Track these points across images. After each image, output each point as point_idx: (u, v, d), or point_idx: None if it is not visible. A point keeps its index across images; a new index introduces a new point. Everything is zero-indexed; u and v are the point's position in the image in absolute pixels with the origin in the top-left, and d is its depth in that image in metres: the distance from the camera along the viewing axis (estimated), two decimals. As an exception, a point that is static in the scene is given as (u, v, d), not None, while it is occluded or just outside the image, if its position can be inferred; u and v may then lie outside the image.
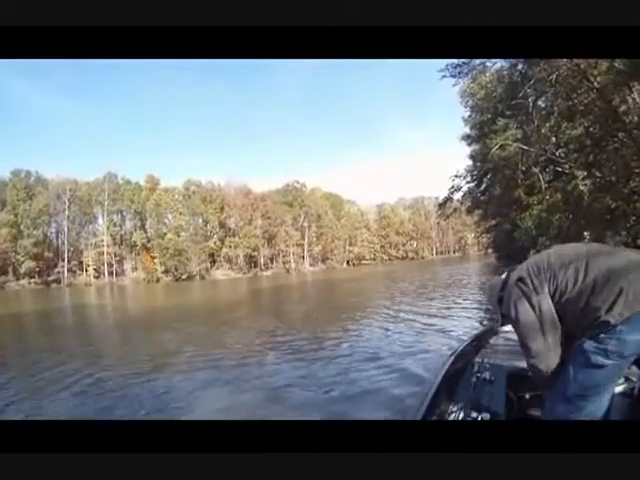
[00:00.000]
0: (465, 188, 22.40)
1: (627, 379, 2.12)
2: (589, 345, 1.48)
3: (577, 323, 1.56)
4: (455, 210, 28.22)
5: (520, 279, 1.68)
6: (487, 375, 2.26)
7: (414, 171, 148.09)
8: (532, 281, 1.64)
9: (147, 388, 5.78)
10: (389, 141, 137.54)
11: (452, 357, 2.60)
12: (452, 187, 20.69)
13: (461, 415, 1.90)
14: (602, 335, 1.46)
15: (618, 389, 2.05)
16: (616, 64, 9.46)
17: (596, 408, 1.53)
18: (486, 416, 1.86)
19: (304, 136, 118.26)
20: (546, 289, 1.60)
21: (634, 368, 2.16)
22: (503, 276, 1.84)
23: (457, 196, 23.04)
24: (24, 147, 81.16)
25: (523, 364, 1.83)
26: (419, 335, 8.23)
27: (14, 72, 77.55)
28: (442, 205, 24.07)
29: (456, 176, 20.51)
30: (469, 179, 22.37)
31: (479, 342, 3.08)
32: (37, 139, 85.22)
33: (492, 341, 3.15)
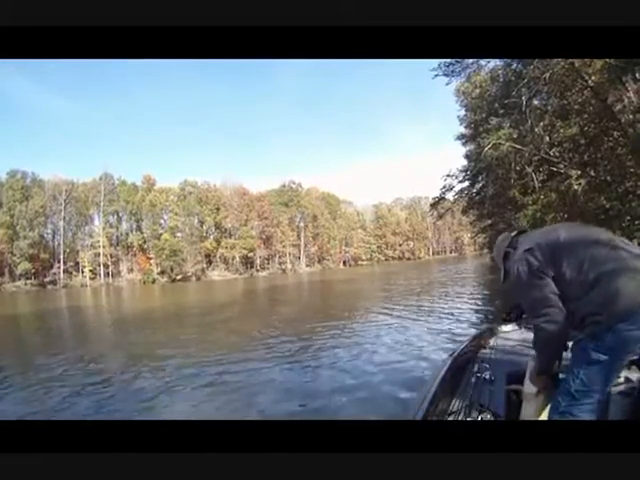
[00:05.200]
0: (457, 188, 22.28)
1: (627, 379, 2.12)
2: (588, 342, 1.53)
3: (570, 314, 1.59)
4: (448, 210, 28.04)
5: (529, 250, 1.68)
6: (487, 375, 2.26)
7: (411, 171, 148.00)
8: (538, 259, 1.64)
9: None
10: (386, 141, 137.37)
11: (452, 357, 2.60)
12: (444, 187, 20.58)
13: (461, 415, 1.90)
14: (600, 332, 1.49)
15: (618, 389, 2.06)
16: (607, 59, 9.48)
17: (595, 406, 1.56)
18: (486, 416, 1.86)
19: (300, 136, 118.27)
20: (551, 273, 1.61)
21: (634, 368, 2.17)
22: (513, 233, 1.90)
23: (449, 196, 22.93)
24: (20, 148, 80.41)
25: (523, 364, 1.84)
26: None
27: (12, 72, 77.06)
28: (434, 205, 23.92)
29: (448, 175, 20.38)
30: (461, 178, 22.26)
31: (479, 342, 3.09)
32: (33, 140, 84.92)
33: (492, 341, 3.16)
